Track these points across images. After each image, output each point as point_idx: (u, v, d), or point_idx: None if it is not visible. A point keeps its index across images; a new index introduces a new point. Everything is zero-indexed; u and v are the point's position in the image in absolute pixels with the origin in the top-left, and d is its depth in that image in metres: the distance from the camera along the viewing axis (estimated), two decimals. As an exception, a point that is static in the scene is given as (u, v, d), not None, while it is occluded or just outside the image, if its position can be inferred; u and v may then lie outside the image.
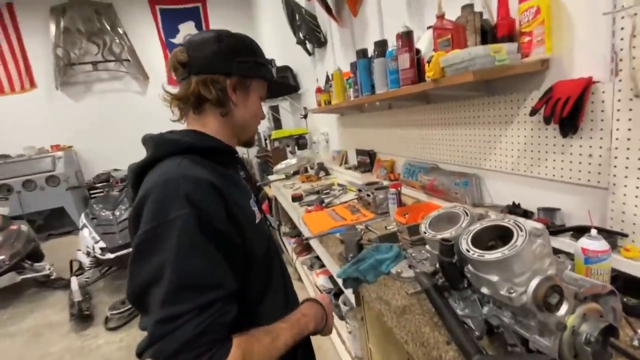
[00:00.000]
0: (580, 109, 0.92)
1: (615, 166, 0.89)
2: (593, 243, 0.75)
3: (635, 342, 0.68)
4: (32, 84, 5.61)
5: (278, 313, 0.72)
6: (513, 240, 0.65)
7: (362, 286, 1.11)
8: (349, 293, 1.47)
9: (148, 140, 0.68)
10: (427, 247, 0.87)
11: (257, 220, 0.72)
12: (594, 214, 0.97)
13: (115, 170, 5.67)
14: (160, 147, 0.65)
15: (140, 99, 6.16)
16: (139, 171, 0.65)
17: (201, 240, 0.55)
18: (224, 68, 0.71)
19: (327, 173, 3.11)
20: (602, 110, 0.90)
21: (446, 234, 0.80)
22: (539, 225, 0.66)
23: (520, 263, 0.63)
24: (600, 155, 0.93)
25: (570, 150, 1.00)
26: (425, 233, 0.85)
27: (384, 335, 1.13)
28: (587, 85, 0.90)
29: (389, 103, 1.97)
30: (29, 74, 5.58)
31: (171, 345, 0.50)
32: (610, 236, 0.91)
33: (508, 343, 0.69)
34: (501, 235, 0.73)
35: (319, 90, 2.63)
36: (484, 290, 0.70)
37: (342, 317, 1.82)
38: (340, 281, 1.19)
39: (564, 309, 0.58)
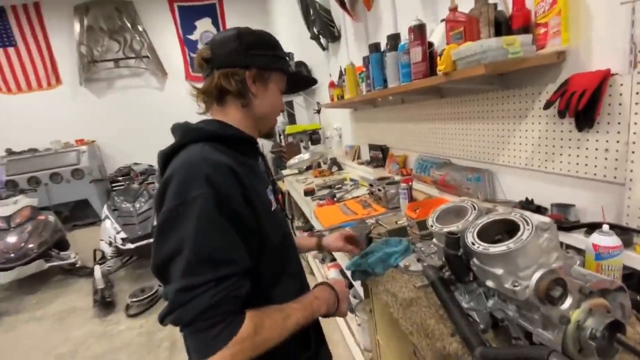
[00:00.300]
0: (597, 103, 0.89)
1: (632, 161, 0.86)
2: (604, 239, 0.73)
3: (646, 340, 0.67)
4: (58, 81, 5.85)
5: (291, 299, 0.74)
6: (519, 234, 0.65)
7: (370, 279, 1.13)
8: (357, 285, 1.48)
9: (176, 129, 0.72)
10: (435, 240, 0.88)
11: (272, 208, 0.75)
12: (610, 210, 0.94)
13: (136, 164, 5.85)
14: (186, 134, 0.69)
15: (159, 95, 6.32)
16: (166, 156, 0.69)
17: (219, 218, 0.59)
18: (243, 61, 0.74)
19: (340, 168, 3.12)
20: (620, 104, 0.87)
21: (453, 227, 0.80)
22: (546, 220, 0.66)
23: (525, 257, 0.63)
24: (617, 150, 0.90)
25: (586, 144, 0.98)
26: (432, 226, 0.85)
27: (392, 328, 1.14)
28: (604, 78, 0.87)
29: (401, 97, 1.95)
30: (55, 71, 5.82)
31: (188, 313, 0.55)
32: (626, 233, 0.89)
33: (512, 336, 0.69)
34: (509, 230, 0.72)
35: (332, 84, 2.63)
36: (489, 283, 0.70)
37: (352, 310, 1.83)
38: (349, 273, 1.20)
39: (567, 302, 0.58)
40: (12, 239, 3.30)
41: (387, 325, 1.19)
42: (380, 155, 2.43)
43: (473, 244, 0.71)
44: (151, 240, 2.96)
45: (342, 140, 3.54)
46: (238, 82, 0.73)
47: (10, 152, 5.44)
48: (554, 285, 0.56)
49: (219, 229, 0.59)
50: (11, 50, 5.64)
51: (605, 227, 0.74)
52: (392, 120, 2.26)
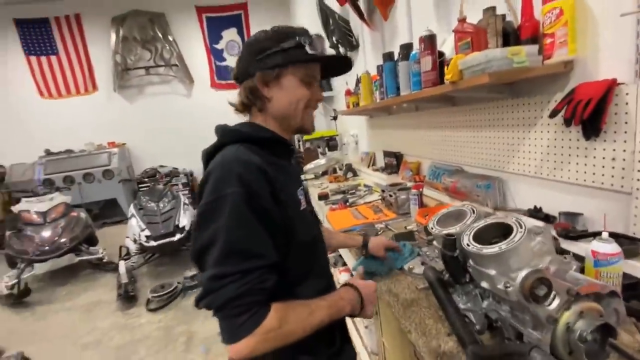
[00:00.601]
0: (603, 111, 0.90)
1: (639, 171, 0.86)
2: (603, 246, 0.74)
3: (644, 348, 0.67)
4: (94, 87, 6.25)
5: (317, 297, 0.75)
6: (511, 236, 0.68)
7: (375, 279, 1.16)
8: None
9: (218, 130, 0.79)
10: (435, 242, 0.90)
11: (301, 208, 0.78)
12: (618, 219, 0.94)
13: (161, 166, 6.14)
14: (225, 135, 0.76)
15: (186, 101, 6.61)
16: (208, 154, 0.76)
17: (248, 214, 0.64)
18: (248, 71, 0.79)
19: (355, 174, 3.15)
20: (626, 113, 0.88)
21: (451, 230, 0.83)
22: (540, 224, 0.68)
23: (517, 258, 0.66)
24: (624, 159, 0.90)
25: (593, 153, 0.98)
26: (432, 229, 0.88)
27: (396, 329, 1.16)
28: (610, 87, 0.88)
29: (415, 105, 1.98)
30: (92, 78, 6.23)
31: (217, 300, 0.60)
32: (633, 243, 0.89)
33: (505, 337, 0.71)
34: (505, 233, 0.75)
35: (348, 92, 2.69)
36: (484, 284, 0.73)
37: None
38: (355, 273, 1.24)
39: (555, 303, 0.60)
40: (47, 233, 3.55)
41: (391, 327, 1.22)
42: (394, 162, 2.45)
43: (468, 245, 0.73)
44: (173, 238, 3.12)
45: (358, 147, 3.58)
46: (248, 92, 0.78)
47: (48, 152, 5.85)
48: (538, 283, 0.58)
49: (248, 224, 0.64)
50: (53, 58, 6.09)
51: (605, 235, 0.75)
52: (406, 127, 2.28)
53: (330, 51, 3.37)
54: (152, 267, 3.81)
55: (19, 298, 3.29)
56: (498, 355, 0.60)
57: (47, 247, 3.43)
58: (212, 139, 0.78)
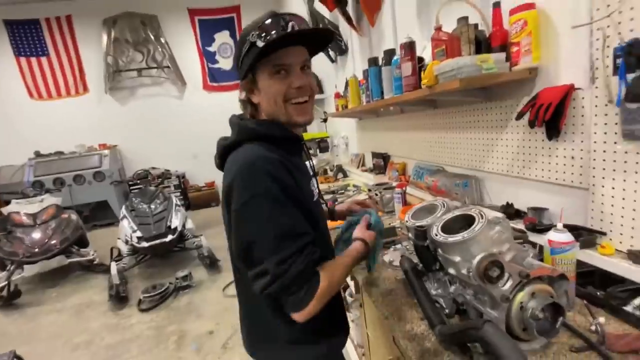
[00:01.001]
0: (562, 114, 0.98)
1: (594, 168, 0.94)
2: (558, 235, 0.81)
3: (593, 327, 0.75)
4: (85, 89, 6.24)
5: None
6: (473, 226, 0.75)
7: (357, 273, 1.23)
8: (350, 282, 1.58)
9: (234, 125, 0.82)
10: (409, 234, 0.97)
11: (314, 199, 0.86)
12: (578, 213, 1.02)
13: (153, 168, 6.13)
14: (241, 133, 0.79)
15: (178, 103, 6.63)
16: (225, 149, 0.80)
17: (286, 203, 0.71)
18: (239, 76, 0.81)
19: (345, 175, 3.23)
20: (582, 115, 0.96)
21: (422, 222, 0.90)
22: (499, 214, 0.75)
23: (477, 246, 0.73)
24: (582, 158, 0.98)
25: (555, 152, 1.06)
26: (407, 221, 0.95)
27: (378, 321, 1.23)
28: (567, 92, 0.96)
29: (400, 108, 2.06)
30: (83, 79, 6.22)
31: (287, 279, 0.68)
32: (590, 234, 0.97)
33: (470, 318, 0.78)
34: (470, 224, 0.82)
35: (337, 95, 2.77)
36: (450, 270, 0.80)
37: (348, 309, 1.92)
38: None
39: (508, 284, 0.67)
40: (37, 235, 3.54)
41: (374, 319, 1.28)
42: (382, 162, 2.53)
43: (436, 235, 0.81)
44: (165, 239, 3.13)
45: (348, 148, 3.66)
46: (244, 106, 0.84)
47: (38, 154, 5.81)
48: (491, 266, 0.65)
49: (288, 211, 0.71)
50: (44, 59, 6.07)
51: (560, 225, 0.82)
52: (392, 129, 2.36)
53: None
54: (144, 268, 3.82)
55: (9, 300, 3.27)
56: (458, 330, 0.67)
57: (37, 249, 3.43)
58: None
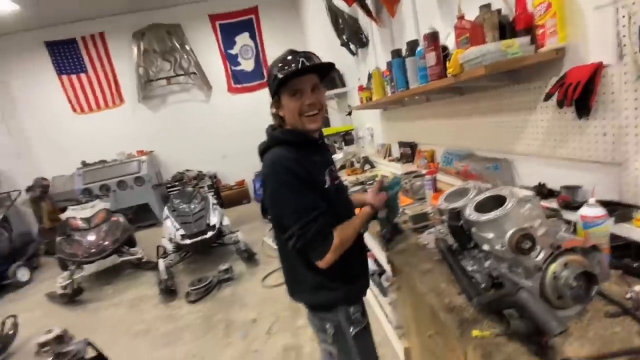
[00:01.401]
0: (592, 92, 1.00)
1: (626, 143, 0.96)
2: (590, 210, 0.85)
3: (628, 295, 0.78)
4: (121, 100, 6.66)
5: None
6: (505, 205, 0.81)
7: (394, 258, 1.31)
8: (387, 267, 1.65)
9: (267, 134, 1.12)
10: (444, 217, 1.04)
11: (325, 185, 1.08)
12: (612, 189, 1.04)
13: (187, 170, 6.46)
14: (271, 140, 1.09)
15: (205, 107, 6.92)
16: (261, 150, 1.11)
17: (301, 187, 1.00)
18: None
19: (372, 166, 3.28)
20: (612, 92, 0.97)
21: (457, 204, 0.96)
22: (529, 193, 0.81)
23: (509, 222, 0.79)
24: (613, 134, 1.00)
25: (586, 130, 1.08)
26: (440, 205, 1.02)
27: (417, 300, 1.30)
28: (596, 70, 0.98)
29: (426, 96, 2.09)
30: (118, 91, 6.63)
31: (308, 238, 0.98)
32: (625, 208, 0.99)
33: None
34: (502, 203, 0.88)
35: (360, 88, 2.82)
36: (485, 247, 0.86)
37: (384, 293, 2.00)
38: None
39: (541, 255, 0.73)
40: (92, 237, 3.89)
41: (412, 298, 1.36)
42: (409, 151, 2.56)
43: (470, 215, 0.87)
44: (206, 236, 3.36)
45: (373, 139, 3.70)
46: (274, 118, 1.14)
47: (84, 163, 6.30)
48: (523, 239, 0.71)
49: (304, 191, 1.00)
50: (83, 75, 6.53)
51: (592, 200, 0.86)
52: (419, 118, 2.39)
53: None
54: (187, 264, 4.09)
55: (73, 297, 3.64)
56: (495, 298, 0.74)
57: (93, 250, 3.77)
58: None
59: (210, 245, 3.83)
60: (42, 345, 2.02)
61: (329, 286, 1.11)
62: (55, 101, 6.46)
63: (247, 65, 6.98)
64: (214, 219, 3.82)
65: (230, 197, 6.78)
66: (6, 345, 2.83)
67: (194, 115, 6.85)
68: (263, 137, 1.13)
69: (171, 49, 6.56)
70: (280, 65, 1.03)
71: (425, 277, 1.07)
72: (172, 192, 4.91)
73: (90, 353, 2.13)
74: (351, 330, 1.14)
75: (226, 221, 4.14)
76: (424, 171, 2.08)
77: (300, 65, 0.99)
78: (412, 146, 2.53)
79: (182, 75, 6.68)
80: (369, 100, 2.66)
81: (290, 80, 1.01)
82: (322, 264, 1.02)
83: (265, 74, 7.02)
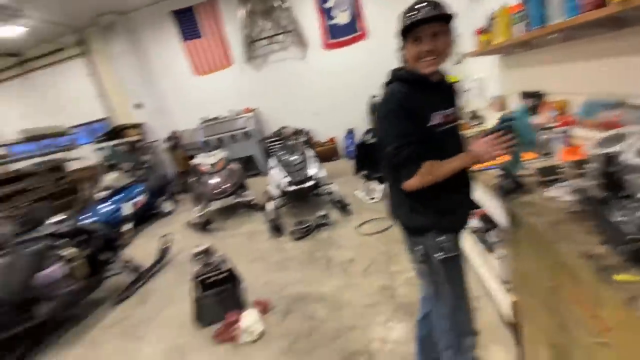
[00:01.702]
0: None
1: None
2: None
3: None
4: (231, 61, 7.35)
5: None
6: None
7: (517, 206, 1.27)
8: (501, 221, 1.61)
9: (390, 72, 1.26)
10: (591, 164, 0.96)
11: (429, 124, 1.16)
12: None
13: (283, 127, 6.96)
14: (390, 76, 1.25)
15: (301, 64, 7.14)
16: (385, 85, 1.26)
17: (403, 117, 1.14)
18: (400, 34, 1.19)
19: (481, 122, 3.03)
20: None
21: (613, 149, 0.88)
22: None
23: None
24: None
25: None
26: (591, 151, 0.94)
27: (537, 253, 1.27)
28: None
29: (564, 35, 1.79)
30: (228, 54, 7.32)
31: (400, 159, 1.13)
32: None
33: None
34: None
35: (479, 31, 2.53)
36: (643, 194, 0.79)
37: (491, 250, 1.97)
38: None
39: None
40: (216, 180, 4.66)
41: (531, 250, 1.32)
42: (535, 102, 2.27)
43: (628, 160, 0.80)
44: (306, 185, 3.76)
45: (483, 92, 3.36)
46: (400, 54, 1.23)
47: (204, 120, 7.34)
48: None
49: (405, 121, 1.13)
50: (199, 41, 7.36)
51: None
52: (551, 62, 2.07)
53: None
54: (288, 209, 4.62)
55: (205, 225, 4.53)
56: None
57: (217, 190, 4.54)
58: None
59: (308, 194, 4.20)
60: (197, 254, 2.63)
61: (421, 211, 1.24)
62: (182, 64, 7.50)
63: (342, 17, 6.81)
64: (313, 170, 4.14)
65: (321, 154, 7.09)
66: (164, 255, 3.79)
67: (290, 73, 7.16)
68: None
69: (271, 7, 6.80)
70: (407, 12, 1.14)
71: (556, 228, 1.04)
72: (275, 146, 5.42)
73: (224, 268, 2.70)
74: (437, 255, 1.23)
75: (323, 173, 4.44)
76: (553, 124, 1.85)
77: (420, 16, 1.08)
78: (539, 96, 2.23)
79: (281, 33, 6.93)
80: (488, 44, 2.39)
81: (415, 27, 1.11)
82: (407, 185, 1.16)
83: (358, 27, 6.89)
